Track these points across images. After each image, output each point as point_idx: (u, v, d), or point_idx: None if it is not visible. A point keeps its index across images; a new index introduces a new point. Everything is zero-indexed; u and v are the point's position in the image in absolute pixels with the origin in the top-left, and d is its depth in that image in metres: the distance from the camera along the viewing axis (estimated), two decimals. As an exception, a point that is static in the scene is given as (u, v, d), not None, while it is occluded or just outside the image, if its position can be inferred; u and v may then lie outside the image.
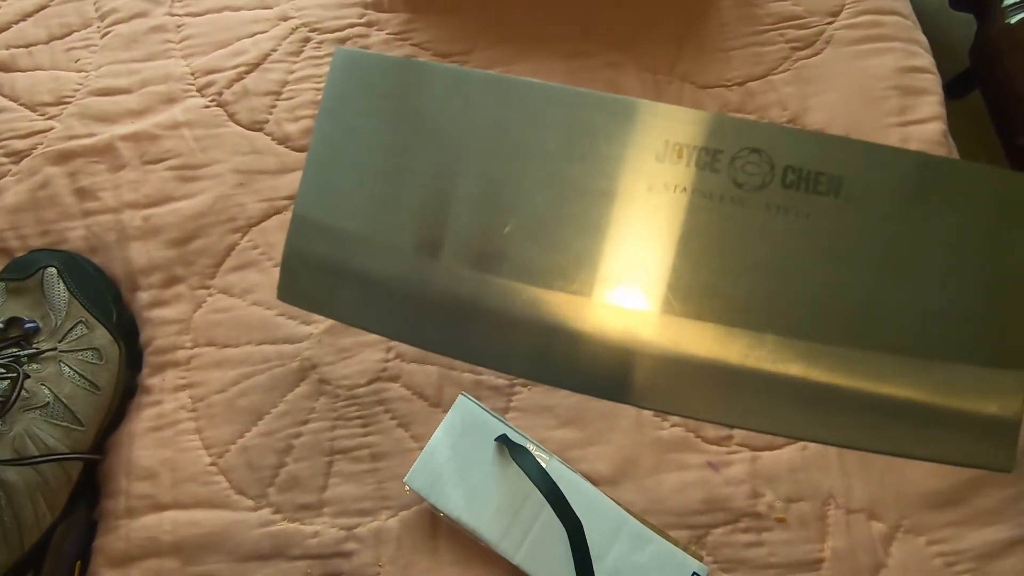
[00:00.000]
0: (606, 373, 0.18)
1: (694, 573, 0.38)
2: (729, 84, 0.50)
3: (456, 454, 0.41)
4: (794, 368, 0.17)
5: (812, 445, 0.42)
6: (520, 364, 0.18)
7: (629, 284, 0.17)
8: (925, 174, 0.17)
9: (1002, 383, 0.17)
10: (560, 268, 0.17)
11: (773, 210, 0.17)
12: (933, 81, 0.50)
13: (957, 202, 0.17)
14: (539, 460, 0.40)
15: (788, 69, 0.50)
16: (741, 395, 0.18)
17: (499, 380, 0.44)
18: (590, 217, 0.18)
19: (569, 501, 0.37)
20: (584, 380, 0.18)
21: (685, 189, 0.18)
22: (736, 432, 0.43)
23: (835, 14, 0.51)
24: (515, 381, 0.44)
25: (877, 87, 0.49)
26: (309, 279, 0.21)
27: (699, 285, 0.18)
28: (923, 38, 0.52)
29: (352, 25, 0.52)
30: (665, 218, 0.17)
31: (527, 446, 0.41)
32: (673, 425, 0.43)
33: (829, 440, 0.18)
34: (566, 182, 0.18)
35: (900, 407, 0.17)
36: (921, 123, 0.48)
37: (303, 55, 0.51)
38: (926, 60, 0.51)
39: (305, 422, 0.44)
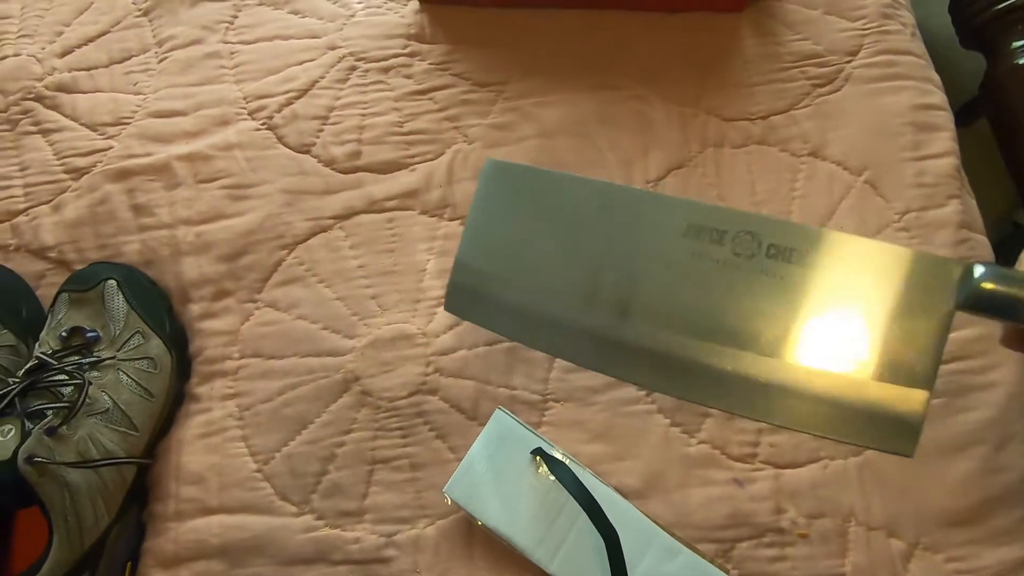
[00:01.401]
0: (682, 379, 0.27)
1: None
2: (752, 118, 0.53)
3: (493, 465, 0.43)
4: (777, 377, 0.25)
5: (833, 463, 0.44)
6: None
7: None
8: (858, 250, 0.25)
9: (910, 397, 0.24)
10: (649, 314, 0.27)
11: (758, 273, 0.25)
12: (946, 118, 0.53)
13: (882, 272, 0.25)
14: (573, 472, 0.42)
15: (809, 104, 0.53)
16: (759, 396, 0.26)
17: (532, 396, 0.47)
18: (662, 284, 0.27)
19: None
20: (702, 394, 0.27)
21: (700, 256, 0.26)
22: (760, 449, 0.45)
23: (854, 53, 0.54)
24: (548, 396, 0.47)
25: (893, 123, 0.52)
26: (466, 301, 0.31)
27: (727, 323, 0.25)
28: (936, 76, 0.55)
29: (396, 55, 0.55)
30: (691, 275, 0.26)
31: (561, 459, 0.43)
32: (700, 442, 0.45)
33: (795, 426, 0.26)
34: (644, 256, 0.27)
35: (844, 409, 0.25)
36: (935, 158, 0.51)
37: (349, 82, 0.54)
38: (939, 98, 0.53)
39: (348, 432, 0.46)
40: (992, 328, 0.47)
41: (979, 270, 0.24)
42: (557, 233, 0.27)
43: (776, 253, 0.25)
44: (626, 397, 0.46)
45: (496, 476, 0.42)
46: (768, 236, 0.25)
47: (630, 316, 0.26)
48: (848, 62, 0.54)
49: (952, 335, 0.41)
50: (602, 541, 0.39)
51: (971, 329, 0.46)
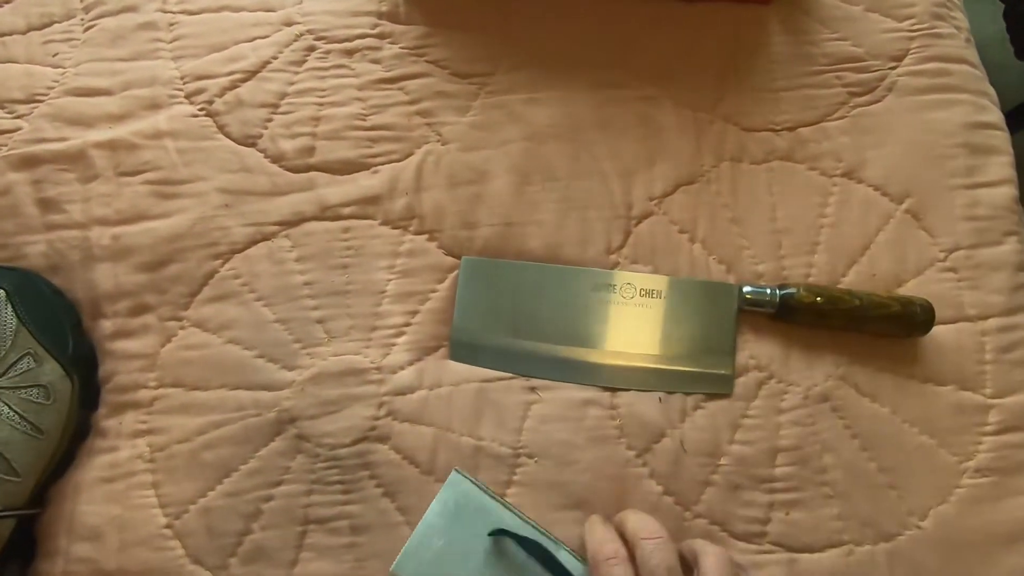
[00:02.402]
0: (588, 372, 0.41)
1: None
2: (778, 128, 0.45)
3: (450, 541, 0.35)
4: (644, 361, 0.41)
5: (859, 550, 0.37)
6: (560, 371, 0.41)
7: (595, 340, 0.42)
8: (693, 287, 0.42)
9: (719, 363, 0.40)
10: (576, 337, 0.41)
11: (637, 305, 0.42)
12: (1003, 139, 0.45)
13: (701, 296, 0.42)
14: (547, 548, 0.34)
15: (844, 116, 0.45)
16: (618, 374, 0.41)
17: (502, 449, 0.39)
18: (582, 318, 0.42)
19: None
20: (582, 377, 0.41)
21: (602, 300, 0.42)
22: (771, 528, 0.37)
23: (899, 59, 0.46)
24: (520, 450, 0.39)
25: (942, 143, 0.44)
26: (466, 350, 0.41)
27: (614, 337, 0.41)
28: (992, 91, 0.47)
29: (363, 36, 0.47)
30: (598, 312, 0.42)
31: (531, 534, 0.35)
32: (697, 516, 0.38)
33: (654, 388, 0.40)
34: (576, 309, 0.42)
35: (681, 374, 0.41)
36: (991, 186, 0.43)
37: (306, 65, 0.46)
38: (995, 115, 0.46)
39: (278, 483, 0.39)
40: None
41: (746, 288, 0.41)
42: (518, 304, 0.42)
43: (646, 293, 0.42)
44: (613, 457, 0.39)
45: (453, 555, 0.35)
46: (640, 284, 0.42)
47: (561, 341, 0.41)
48: (892, 68, 0.46)
49: (1007, 400, 0.35)
50: None
51: (1029, 395, 0.39)
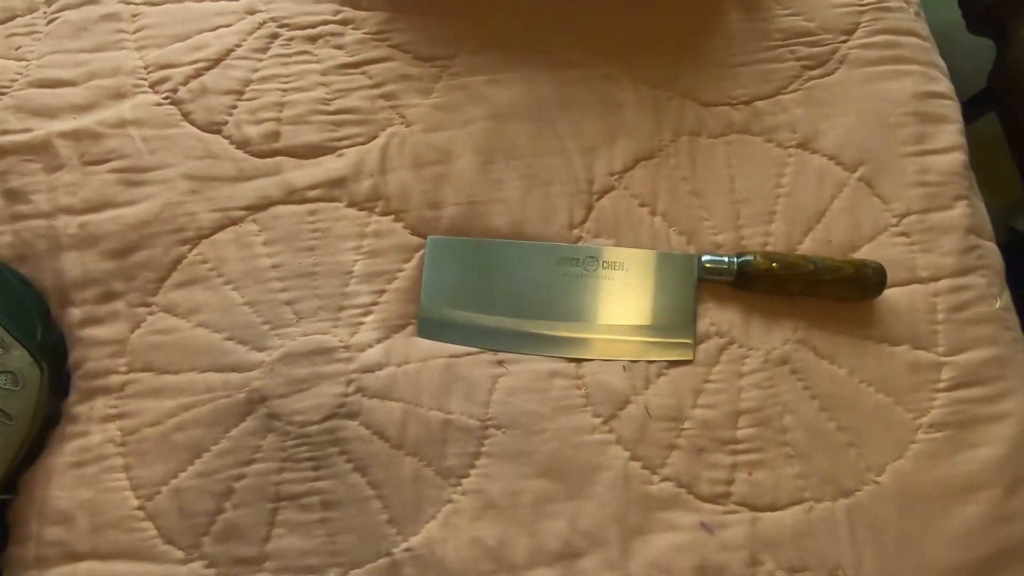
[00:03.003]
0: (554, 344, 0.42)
1: None
2: (734, 103, 0.46)
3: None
4: (606, 332, 0.42)
5: (819, 506, 0.38)
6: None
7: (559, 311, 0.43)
8: (654, 259, 0.43)
9: (679, 331, 0.42)
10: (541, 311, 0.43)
11: (599, 278, 0.42)
12: (953, 108, 0.46)
13: (662, 267, 0.42)
14: None
15: (799, 89, 0.46)
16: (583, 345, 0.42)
17: (471, 421, 0.40)
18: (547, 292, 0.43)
19: None
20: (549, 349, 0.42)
21: (566, 274, 0.43)
22: (735, 488, 0.38)
23: (850, 32, 0.47)
24: (488, 422, 0.40)
25: (894, 112, 0.45)
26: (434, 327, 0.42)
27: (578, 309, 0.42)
28: (941, 62, 0.48)
29: (325, 22, 0.47)
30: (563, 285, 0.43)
31: None
32: (664, 479, 0.39)
33: (616, 357, 0.41)
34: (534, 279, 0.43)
35: (643, 343, 0.42)
36: (940, 153, 0.45)
37: (270, 52, 0.46)
38: (945, 85, 0.47)
39: (249, 462, 0.39)
40: (1007, 350, 0.40)
41: (705, 257, 0.42)
42: (484, 280, 0.43)
43: (609, 266, 0.42)
44: (579, 425, 0.40)
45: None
46: (603, 256, 0.43)
47: (527, 315, 0.42)
48: (843, 42, 0.47)
49: (959, 357, 0.36)
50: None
51: (981, 351, 0.40)
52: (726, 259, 0.41)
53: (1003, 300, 0.42)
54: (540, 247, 0.43)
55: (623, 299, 0.42)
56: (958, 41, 0.57)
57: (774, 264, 0.40)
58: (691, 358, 0.41)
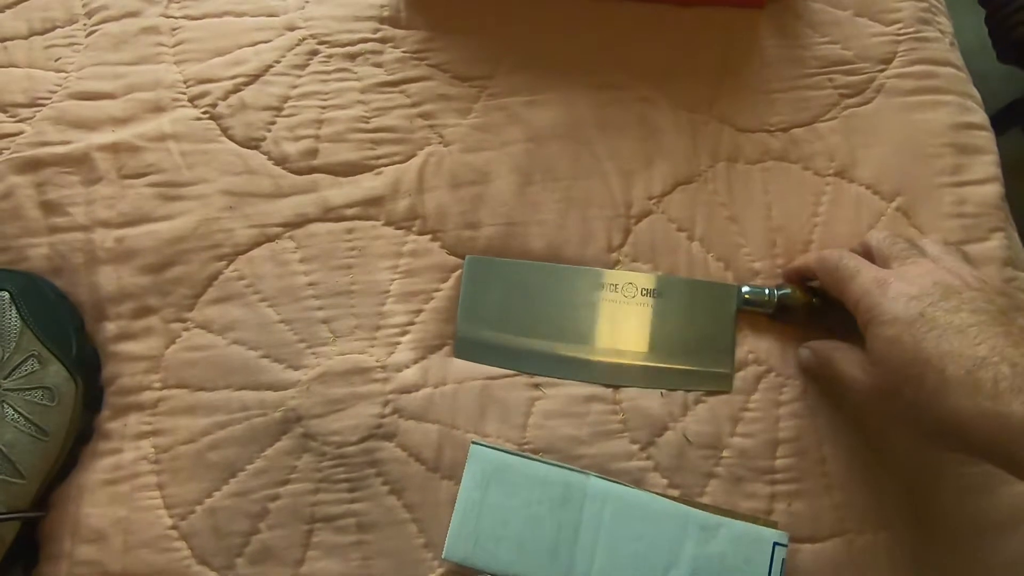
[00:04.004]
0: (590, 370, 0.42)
1: (775, 543, 0.36)
2: (772, 129, 0.46)
3: (489, 510, 0.37)
4: (644, 360, 0.42)
5: (860, 539, 0.38)
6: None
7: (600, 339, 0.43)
8: (690, 286, 0.43)
9: (719, 361, 0.41)
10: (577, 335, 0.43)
11: (638, 304, 0.42)
12: (988, 139, 0.46)
13: (700, 294, 0.43)
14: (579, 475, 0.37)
15: (836, 117, 0.46)
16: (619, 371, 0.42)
17: (507, 445, 0.39)
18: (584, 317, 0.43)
19: (626, 518, 0.37)
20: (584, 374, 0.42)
21: (604, 299, 0.43)
22: (774, 519, 0.38)
23: (887, 61, 0.47)
24: (525, 445, 0.39)
25: (930, 143, 0.45)
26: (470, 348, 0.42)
27: (615, 335, 0.43)
28: (976, 92, 0.48)
29: (365, 40, 0.47)
30: (600, 310, 0.43)
31: (559, 475, 0.38)
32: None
33: (655, 386, 0.41)
34: (574, 302, 0.43)
35: (681, 372, 0.41)
36: (977, 184, 0.45)
37: (309, 69, 0.46)
38: (980, 116, 0.47)
39: (285, 482, 0.39)
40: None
41: (744, 288, 0.42)
42: (521, 302, 0.43)
43: (647, 293, 0.42)
44: (617, 451, 0.39)
45: (496, 522, 0.37)
46: (641, 283, 0.43)
47: (563, 339, 0.42)
48: (881, 71, 0.47)
49: None
50: (636, 542, 0.36)
51: None
52: (766, 291, 0.41)
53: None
54: (579, 271, 0.43)
55: (660, 326, 0.42)
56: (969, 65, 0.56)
57: (814, 300, 0.40)
58: (729, 389, 0.41)
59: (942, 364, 0.29)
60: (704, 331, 0.41)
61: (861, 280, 0.35)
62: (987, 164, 0.45)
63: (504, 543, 0.36)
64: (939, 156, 0.45)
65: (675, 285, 0.42)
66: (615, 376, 0.41)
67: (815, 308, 0.41)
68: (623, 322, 0.42)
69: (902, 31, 0.48)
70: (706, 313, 0.42)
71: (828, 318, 0.41)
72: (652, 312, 0.42)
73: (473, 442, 0.38)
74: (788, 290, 0.41)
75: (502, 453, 0.38)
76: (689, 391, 0.41)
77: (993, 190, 0.45)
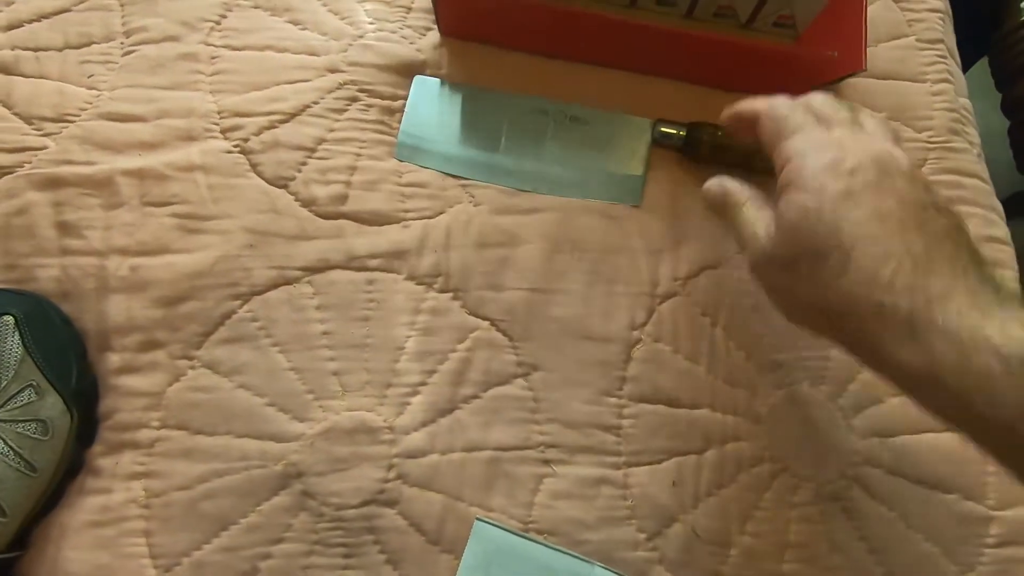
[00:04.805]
0: (522, 177, 0.47)
1: None
2: (800, 222, 0.46)
3: None
4: (559, 170, 0.47)
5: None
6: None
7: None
8: (611, 118, 0.48)
9: (635, 166, 0.47)
10: (513, 148, 0.47)
11: (561, 128, 0.47)
12: (1010, 254, 0.47)
13: (619, 127, 0.48)
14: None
15: (864, 217, 0.47)
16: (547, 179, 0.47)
17: (511, 522, 0.38)
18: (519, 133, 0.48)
19: None
20: (515, 180, 0.47)
21: (535, 121, 0.48)
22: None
23: (917, 167, 0.48)
24: (530, 524, 0.38)
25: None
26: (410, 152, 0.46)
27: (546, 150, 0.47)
28: (999, 205, 0.49)
29: (406, 97, 0.47)
30: (534, 129, 0.48)
31: (564, 562, 0.36)
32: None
33: (567, 193, 0.46)
34: (515, 125, 0.47)
35: (594, 185, 0.46)
36: (997, 298, 0.45)
37: (347, 115, 0.46)
38: (1003, 231, 0.48)
39: (278, 541, 0.37)
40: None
41: (660, 124, 0.47)
42: (462, 118, 0.47)
43: (574, 118, 0.47)
44: (623, 539, 0.38)
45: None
46: (570, 111, 0.47)
47: (499, 151, 0.46)
48: (910, 176, 0.48)
49: (1007, 512, 0.35)
50: None
51: (1030, 511, 0.40)
52: (678, 127, 0.46)
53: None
54: (517, 96, 0.47)
55: (585, 144, 0.47)
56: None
57: (719, 133, 0.45)
58: (638, 202, 0.46)
59: (851, 247, 0.28)
60: (622, 146, 0.47)
61: (800, 139, 0.31)
62: (1009, 280, 0.46)
63: None
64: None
65: (597, 116, 0.47)
66: (540, 182, 0.46)
67: (720, 143, 0.45)
68: (550, 140, 0.46)
69: (933, 139, 0.49)
70: (625, 136, 0.47)
71: (729, 155, 0.45)
72: (578, 134, 0.47)
73: (478, 518, 0.37)
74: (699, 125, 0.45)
75: (506, 533, 0.37)
76: (699, 479, 0.40)
77: (1012, 306, 0.45)
